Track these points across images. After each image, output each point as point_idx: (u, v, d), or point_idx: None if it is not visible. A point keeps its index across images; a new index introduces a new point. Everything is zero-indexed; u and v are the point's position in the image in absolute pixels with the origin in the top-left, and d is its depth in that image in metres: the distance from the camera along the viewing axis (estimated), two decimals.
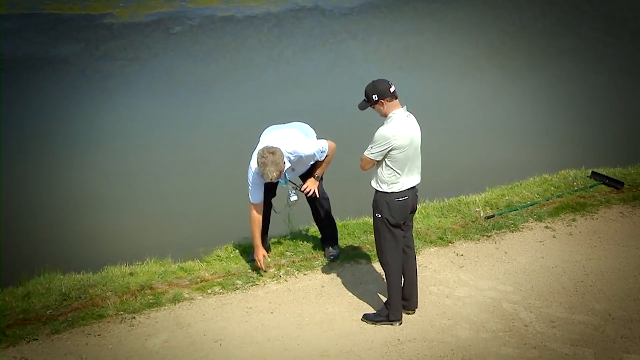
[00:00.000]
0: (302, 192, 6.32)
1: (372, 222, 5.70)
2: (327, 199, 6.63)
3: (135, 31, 15.65)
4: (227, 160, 9.40)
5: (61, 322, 5.79)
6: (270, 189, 6.41)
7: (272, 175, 5.76)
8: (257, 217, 6.18)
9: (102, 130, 10.76)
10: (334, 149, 6.21)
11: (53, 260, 6.65)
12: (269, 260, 6.50)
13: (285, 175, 6.11)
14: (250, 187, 6.09)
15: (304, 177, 6.38)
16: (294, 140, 6.07)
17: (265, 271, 6.36)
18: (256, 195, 6.12)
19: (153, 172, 9.48)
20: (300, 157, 6.06)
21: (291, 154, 5.99)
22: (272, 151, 5.77)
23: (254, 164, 5.98)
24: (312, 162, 6.24)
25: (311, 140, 6.21)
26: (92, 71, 13.54)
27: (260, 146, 6.00)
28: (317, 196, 6.35)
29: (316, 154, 6.12)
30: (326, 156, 6.20)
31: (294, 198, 6.38)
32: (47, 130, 10.73)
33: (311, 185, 6.27)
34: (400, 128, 5.28)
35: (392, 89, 5.27)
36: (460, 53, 14.23)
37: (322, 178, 6.48)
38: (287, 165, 5.99)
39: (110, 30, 15.71)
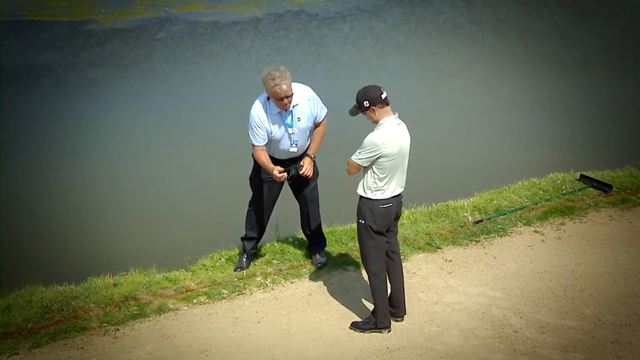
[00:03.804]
0: (300, 173, 6.17)
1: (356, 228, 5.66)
2: (318, 204, 6.58)
3: (118, 37, 15.58)
4: (212, 167, 9.35)
5: (43, 335, 5.69)
6: (275, 190, 6.37)
7: (284, 85, 5.68)
8: (263, 153, 6.04)
9: (85, 138, 10.66)
10: (326, 124, 6.23)
11: (34, 272, 6.58)
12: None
13: (292, 114, 5.96)
14: (253, 130, 5.98)
15: (300, 159, 6.28)
16: (301, 84, 6.07)
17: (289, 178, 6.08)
18: (259, 138, 5.99)
19: (137, 180, 9.40)
20: (307, 99, 6.00)
21: (300, 93, 5.94)
22: (277, 68, 5.75)
23: (256, 107, 5.94)
24: (311, 129, 6.16)
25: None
26: (76, 78, 13.47)
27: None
28: (311, 176, 6.25)
29: (319, 104, 6.10)
30: (322, 125, 6.19)
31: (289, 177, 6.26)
32: (28, 138, 10.63)
33: (308, 166, 6.19)
34: (390, 136, 5.25)
35: (383, 96, 5.24)
36: (448, 57, 14.26)
37: (317, 184, 6.46)
38: (296, 101, 5.91)
39: (93, 37, 15.63)
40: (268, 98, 5.93)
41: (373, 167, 5.30)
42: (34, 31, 15.87)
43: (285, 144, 6.11)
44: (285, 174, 6.06)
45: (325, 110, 6.18)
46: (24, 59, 14.19)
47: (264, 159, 6.04)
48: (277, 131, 6.01)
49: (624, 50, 14.10)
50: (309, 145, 6.26)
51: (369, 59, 14.44)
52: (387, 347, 5.53)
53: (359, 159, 5.29)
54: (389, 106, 5.28)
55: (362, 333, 5.69)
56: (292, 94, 5.82)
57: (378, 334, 5.67)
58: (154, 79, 13.51)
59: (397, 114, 5.32)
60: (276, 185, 6.35)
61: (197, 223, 8.25)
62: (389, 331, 5.69)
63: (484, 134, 10.53)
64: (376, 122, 5.29)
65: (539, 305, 6.01)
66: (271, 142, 6.08)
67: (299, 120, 6.01)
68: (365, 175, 5.38)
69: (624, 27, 15.67)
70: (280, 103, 5.83)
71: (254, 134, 5.98)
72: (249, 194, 6.55)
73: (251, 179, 6.45)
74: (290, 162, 6.25)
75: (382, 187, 5.35)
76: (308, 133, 6.18)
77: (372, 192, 5.38)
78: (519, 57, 13.98)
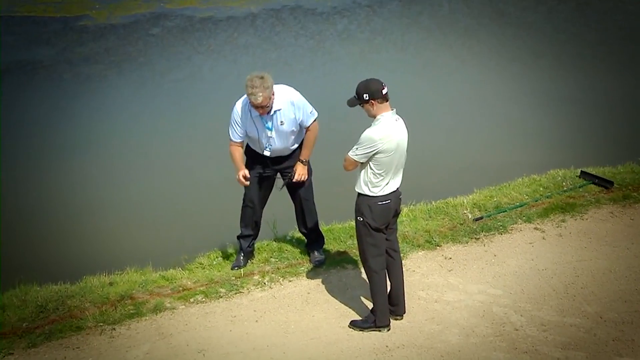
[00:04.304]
0: (293, 179, 6.22)
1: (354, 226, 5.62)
2: (313, 202, 6.55)
3: (112, 33, 15.48)
4: (208, 165, 9.27)
5: (38, 335, 5.64)
6: (266, 184, 6.36)
7: (259, 97, 5.69)
8: (236, 150, 6.15)
9: (79, 135, 10.57)
10: (317, 128, 6.19)
11: (29, 271, 6.49)
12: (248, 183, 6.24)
13: (274, 119, 5.96)
14: (231, 126, 6.07)
15: (289, 162, 6.31)
16: (289, 89, 6.05)
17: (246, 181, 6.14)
18: (236, 134, 6.09)
19: (133, 177, 9.32)
20: (292, 104, 5.96)
21: (284, 97, 5.93)
22: (261, 76, 5.74)
23: (239, 104, 5.99)
24: (297, 134, 6.15)
25: (304, 98, 6.15)
26: (70, 75, 13.37)
27: None
28: (305, 181, 6.29)
29: (306, 110, 6.05)
30: (311, 130, 6.15)
31: (281, 183, 6.38)
32: (22, 136, 10.54)
33: (301, 171, 6.22)
34: (387, 132, 5.20)
35: (384, 91, 5.19)
36: (446, 52, 14.20)
37: (311, 183, 6.42)
38: (279, 106, 5.89)
39: (86, 33, 15.52)
40: None
41: (370, 163, 5.25)
42: (27, 27, 15.76)
43: (264, 144, 6.13)
44: (248, 180, 6.12)
45: (313, 116, 6.13)
46: (18, 55, 14.08)
47: (237, 157, 6.14)
48: (256, 132, 6.06)
49: (625, 46, 14.04)
50: (299, 148, 6.25)
51: (366, 55, 14.37)
52: (387, 346, 5.47)
53: (356, 155, 5.24)
54: (388, 102, 5.24)
55: (361, 332, 5.65)
56: (268, 105, 5.83)
57: (377, 332, 5.62)
58: (150, 75, 13.43)
59: (394, 110, 5.28)
60: (267, 180, 6.36)
61: (194, 221, 8.18)
62: (389, 330, 5.64)
63: (483, 130, 10.45)
64: (373, 116, 5.25)
65: (540, 302, 5.96)
66: (251, 140, 6.16)
67: (281, 124, 6.01)
68: (363, 171, 5.33)
69: (622, 22, 15.63)
70: (256, 109, 5.87)
71: (232, 129, 6.08)
72: None
73: None
74: (278, 161, 6.27)
75: (379, 183, 5.31)
76: (292, 137, 6.18)
77: (369, 189, 5.33)
78: (519, 52, 13.91)
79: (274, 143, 6.11)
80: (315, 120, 6.14)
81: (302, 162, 6.25)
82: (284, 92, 5.96)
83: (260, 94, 5.68)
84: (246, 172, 6.11)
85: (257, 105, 5.77)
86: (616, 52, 13.76)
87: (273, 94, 5.81)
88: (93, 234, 8.06)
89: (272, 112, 5.91)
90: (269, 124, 5.99)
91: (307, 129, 6.15)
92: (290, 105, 5.98)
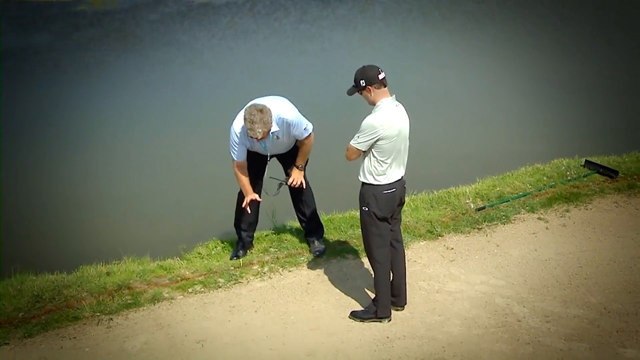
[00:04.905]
0: (289, 185, 6.23)
1: (359, 216, 5.55)
2: (311, 191, 6.52)
3: (109, 19, 15.45)
4: (208, 155, 9.24)
5: (34, 325, 5.59)
6: (258, 175, 6.31)
7: (258, 133, 5.64)
8: (242, 172, 6.11)
9: (77, 125, 10.52)
10: (312, 139, 6.13)
11: (25, 260, 6.44)
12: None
13: (270, 138, 5.92)
14: (232, 146, 6.00)
15: (285, 165, 6.32)
16: (283, 105, 5.97)
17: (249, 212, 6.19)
18: (238, 153, 6.02)
19: (131, 167, 9.29)
20: (287, 124, 5.91)
21: (278, 117, 5.85)
22: (260, 109, 5.65)
23: (237, 124, 5.89)
24: (293, 141, 6.12)
25: (298, 113, 6.08)
26: (67, 62, 13.30)
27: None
28: (305, 187, 6.29)
29: (300, 127, 6.00)
30: (306, 144, 6.11)
31: (275, 189, 6.35)
32: (18, 126, 10.48)
33: (297, 176, 6.22)
34: (388, 117, 5.13)
35: (381, 76, 5.12)
36: (449, 39, 14.14)
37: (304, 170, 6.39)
38: (275, 128, 5.83)
39: (83, 19, 15.49)
40: None
41: (373, 150, 5.19)
42: (22, 12, 15.68)
43: (262, 152, 6.16)
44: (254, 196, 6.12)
45: (308, 132, 6.06)
46: (12, 42, 14.00)
47: (244, 182, 6.11)
48: (254, 146, 6.06)
49: (631, 34, 13.95)
50: (295, 151, 6.21)
51: (367, 40, 14.32)
52: (388, 337, 5.43)
53: (358, 143, 5.17)
54: (386, 88, 5.17)
55: (361, 322, 5.61)
56: (266, 137, 5.76)
57: (378, 323, 5.58)
58: (150, 61, 13.38)
59: (394, 96, 5.21)
60: (261, 168, 6.29)
61: (192, 210, 8.13)
62: (390, 321, 5.61)
63: (486, 119, 10.43)
64: (373, 103, 5.19)
65: (543, 293, 5.92)
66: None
67: (277, 139, 5.99)
68: (366, 160, 5.27)
69: (626, 11, 15.55)
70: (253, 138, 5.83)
71: (233, 151, 6.01)
72: None
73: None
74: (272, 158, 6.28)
75: (383, 171, 5.24)
76: (289, 143, 6.16)
77: (374, 178, 5.26)
78: (523, 39, 13.86)
79: (272, 150, 6.13)
80: (310, 134, 6.08)
81: (297, 167, 6.23)
82: (278, 111, 5.85)
83: (260, 130, 5.63)
84: (256, 196, 6.15)
85: (256, 138, 5.72)
86: (623, 41, 13.68)
87: (271, 123, 5.73)
88: (90, 223, 8.01)
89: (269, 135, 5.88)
90: (266, 145, 6.01)
91: (302, 141, 6.12)
92: (286, 125, 5.93)
